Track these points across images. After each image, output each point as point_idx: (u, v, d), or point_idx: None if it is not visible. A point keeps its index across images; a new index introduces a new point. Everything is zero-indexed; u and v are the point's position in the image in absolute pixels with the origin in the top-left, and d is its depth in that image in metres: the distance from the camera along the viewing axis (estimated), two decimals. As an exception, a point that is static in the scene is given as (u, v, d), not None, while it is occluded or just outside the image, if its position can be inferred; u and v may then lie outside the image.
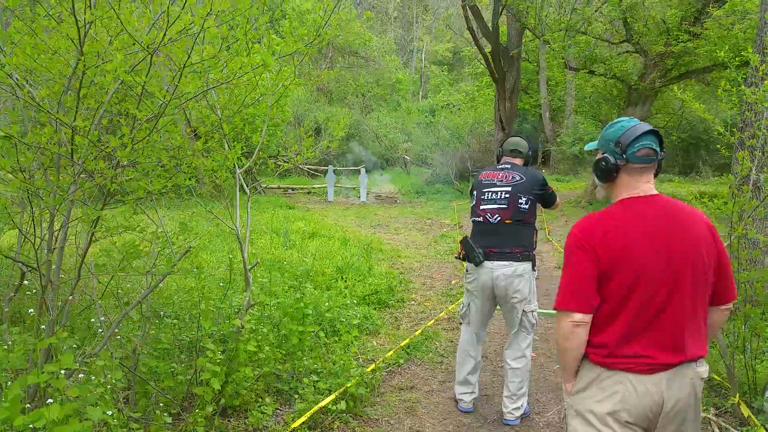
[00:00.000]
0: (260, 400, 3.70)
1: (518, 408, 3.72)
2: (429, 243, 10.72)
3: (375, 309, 6.05)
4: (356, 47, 37.36)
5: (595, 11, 14.58)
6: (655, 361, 1.98)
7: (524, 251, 3.61)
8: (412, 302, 6.61)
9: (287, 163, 17.50)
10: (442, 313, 6.04)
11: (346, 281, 6.84)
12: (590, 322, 2.04)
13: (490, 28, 16.83)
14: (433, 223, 13.38)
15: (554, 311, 2.10)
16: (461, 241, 3.75)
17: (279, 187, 19.61)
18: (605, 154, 2.10)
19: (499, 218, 3.60)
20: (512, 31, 17.19)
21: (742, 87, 5.22)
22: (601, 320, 2.04)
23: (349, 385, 3.75)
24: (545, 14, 14.95)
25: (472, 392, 3.92)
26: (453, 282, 7.81)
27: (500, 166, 3.80)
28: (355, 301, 6.07)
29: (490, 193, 3.67)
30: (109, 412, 2.51)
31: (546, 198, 3.75)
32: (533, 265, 3.67)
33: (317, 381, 3.71)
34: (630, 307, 2.00)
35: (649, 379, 1.98)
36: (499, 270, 3.59)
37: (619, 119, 2.16)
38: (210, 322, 3.44)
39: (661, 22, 13.88)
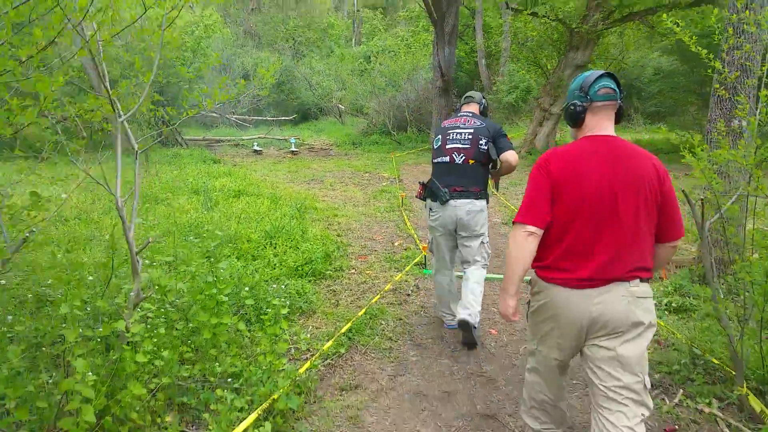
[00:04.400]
0: (159, 420, 2.83)
1: (475, 316, 3.95)
2: (368, 199, 9.89)
3: (309, 281, 5.21)
4: (283, -16, 35.11)
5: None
6: (589, 276, 2.20)
7: (482, 190, 4.04)
8: (352, 271, 5.80)
9: (193, 109, 15.98)
10: (388, 285, 5.26)
11: (276, 248, 5.95)
12: (540, 236, 2.30)
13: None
14: (371, 176, 12.53)
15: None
16: (426, 182, 4.11)
17: (204, 139, 18.13)
18: (573, 101, 2.36)
19: (463, 158, 3.97)
20: (451, -33, 16.12)
21: (731, 15, 4.56)
22: (550, 239, 2.30)
23: (275, 397, 2.92)
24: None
25: (454, 316, 4.22)
26: (396, 244, 7.06)
27: (461, 114, 4.21)
28: (285, 273, 5.21)
29: (455, 134, 4.05)
30: None
31: (503, 144, 4.00)
32: (487, 202, 4.10)
33: (234, 398, 2.84)
34: (574, 227, 2.24)
35: (581, 294, 2.22)
36: (463, 207, 3.96)
37: (579, 75, 2.44)
38: (75, 331, 2.49)
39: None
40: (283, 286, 4.79)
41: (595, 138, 2.32)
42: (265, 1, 35.00)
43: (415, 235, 7.30)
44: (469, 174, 3.97)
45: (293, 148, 16.79)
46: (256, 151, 16.54)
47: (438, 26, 16.38)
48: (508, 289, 2.38)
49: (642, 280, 2.23)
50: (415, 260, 6.03)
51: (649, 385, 2.25)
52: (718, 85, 4.80)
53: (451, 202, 3.95)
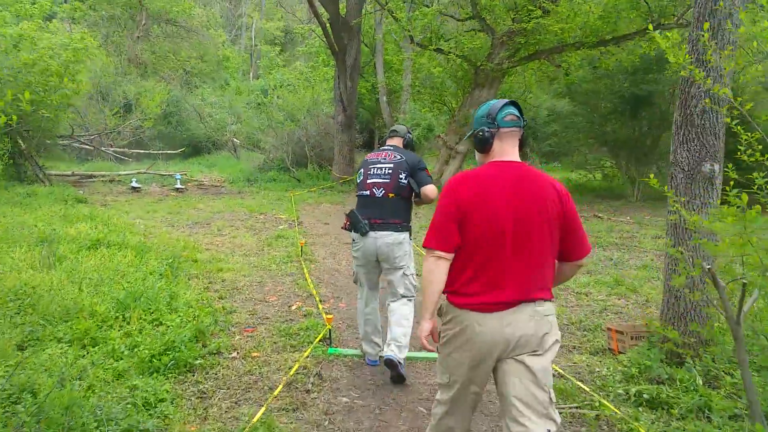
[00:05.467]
0: None
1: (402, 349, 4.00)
2: (261, 247, 8.48)
3: (169, 378, 3.74)
4: (175, 15, 33.07)
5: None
6: (497, 300, 2.27)
7: (403, 222, 4.10)
8: (234, 354, 4.38)
9: (63, 139, 14.01)
10: (279, 387, 3.81)
11: (128, 325, 4.43)
12: (450, 260, 2.36)
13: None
14: (267, 218, 11.11)
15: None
16: (348, 213, 4.14)
17: (73, 174, 15.83)
18: (481, 128, 2.42)
19: (383, 192, 4.06)
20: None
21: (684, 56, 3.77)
22: (458, 265, 2.35)
23: None
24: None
25: (379, 348, 4.28)
26: (293, 308, 5.73)
27: (384, 148, 4.30)
28: (136, 366, 3.73)
29: (375, 169, 4.14)
30: None
31: (422, 178, 4.09)
32: (410, 235, 4.16)
33: None
34: (482, 251, 2.31)
35: (492, 317, 2.27)
36: (382, 239, 4.02)
37: (484, 103, 2.55)
38: None
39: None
40: (127, 392, 3.32)
41: (501, 163, 2.39)
42: (154, 29, 32.67)
43: (317, 296, 6.00)
44: (388, 207, 4.07)
45: (178, 185, 15.00)
46: (134, 188, 14.57)
47: (339, 60, 15.50)
48: (425, 315, 2.42)
49: (545, 300, 2.33)
50: (318, 336, 4.72)
51: (554, 399, 2.33)
52: (680, 119, 4.00)
53: (371, 233, 4.04)
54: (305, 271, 7.00)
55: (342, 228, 4.28)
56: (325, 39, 15.64)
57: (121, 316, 4.56)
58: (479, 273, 2.30)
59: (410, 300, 4.18)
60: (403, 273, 4.13)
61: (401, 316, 4.07)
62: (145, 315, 4.65)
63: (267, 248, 8.40)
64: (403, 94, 27.62)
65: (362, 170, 4.25)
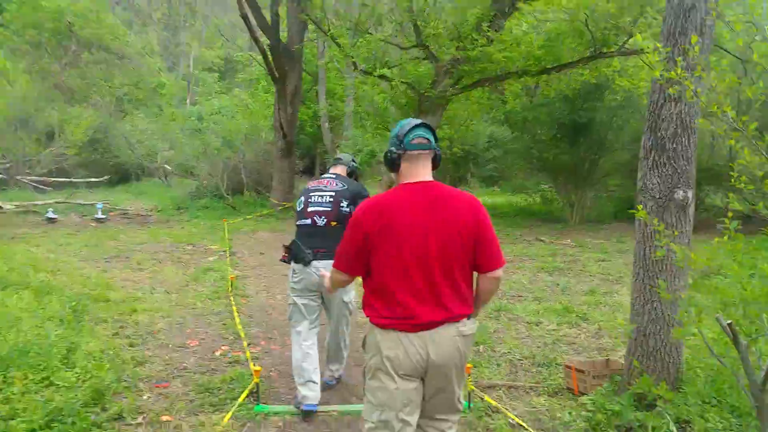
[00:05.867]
0: None
1: (337, 369, 4.36)
2: (187, 282, 7.69)
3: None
4: (108, 42, 31.73)
5: (388, 11, 12.97)
6: (420, 320, 2.29)
7: None
8: (139, 419, 3.64)
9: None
10: None
11: (10, 387, 3.64)
12: (353, 279, 2.56)
13: (269, 21, 14.32)
14: (196, 249, 10.28)
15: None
16: (289, 245, 3.97)
17: (-17, 205, 14.46)
18: (390, 148, 2.44)
19: (325, 220, 3.95)
20: (293, 25, 14.89)
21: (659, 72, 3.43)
22: (378, 289, 2.38)
23: None
24: (332, 3, 12.88)
25: (317, 392, 3.96)
26: (218, 353, 5.02)
27: (326, 176, 4.20)
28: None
29: (316, 197, 4.03)
30: None
31: None
32: None
33: None
34: (401, 274, 2.32)
35: (416, 337, 2.30)
36: (327, 268, 3.44)
37: (399, 122, 2.52)
38: None
39: (452, 27, 12.76)
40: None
41: (412, 185, 2.39)
42: (85, 56, 31.12)
43: (246, 339, 5.32)
44: (331, 236, 3.81)
45: (99, 215, 13.90)
46: (49, 218, 13.39)
47: (280, 86, 14.97)
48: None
49: (468, 318, 2.40)
50: (244, 393, 4.05)
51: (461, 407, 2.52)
52: (649, 143, 3.64)
53: (315, 263, 3.88)
54: (234, 308, 6.29)
55: (280, 260, 4.09)
56: (265, 66, 15.07)
57: (1, 377, 3.75)
58: (402, 296, 2.31)
59: (347, 326, 4.25)
60: (342, 300, 4.09)
61: (337, 345, 4.27)
62: (34, 373, 3.86)
63: (193, 283, 7.62)
64: (345, 120, 27.29)
65: (303, 198, 4.10)
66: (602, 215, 15.75)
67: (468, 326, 2.39)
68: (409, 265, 2.30)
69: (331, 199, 3.98)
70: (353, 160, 4.41)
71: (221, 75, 46.99)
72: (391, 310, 2.32)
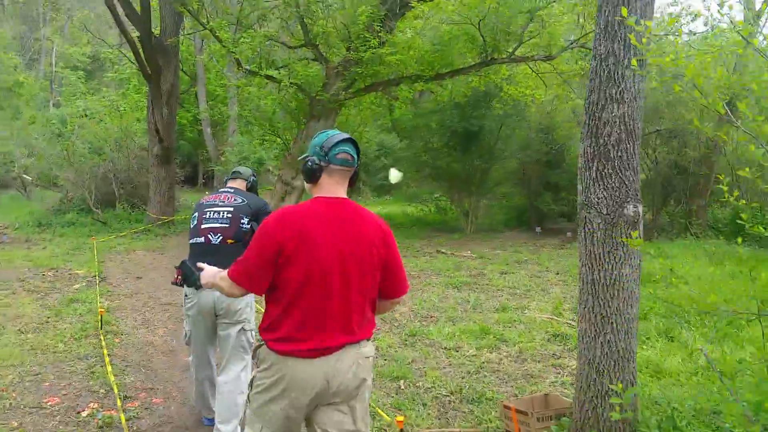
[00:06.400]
0: None
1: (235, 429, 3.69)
2: (46, 318, 6.47)
3: None
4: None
5: (273, 6, 12.13)
6: (323, 345, 2.17)
7: None
8: None
9: None
10: None
11: None
12: (245, 294, 2.35)
13: (139, 11, 12.97)
14: (59, 275, 8.88)
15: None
16: (180, 266, 3.20)
17: None
18: (312, 156, 2.29)
19: (221, 238, 3.64)
20: (168, 16, 13.61)
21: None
22: (280, 309, 2.20)
23: None
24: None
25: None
26: (85, 414, 4.07)
27: (223, 190, 3.90)
28: None
29: (212, 212, 3.73)
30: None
31: None
32: None
33: None
34: (305, 294, 2.17)
35: (315, 363, 2.17)
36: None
37: (324, 131, 2.38)
38: None
39: (342, 26, 12.22)
40: None
41: (328, 200, 2.28)
42: None
43: (120, 394, 4.38)
44: (228, 255, 3.40)
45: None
46: None
47: (153, 85, 13.60)
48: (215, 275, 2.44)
49: (367, 340, 2.31)
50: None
51: None
52: (591, 150, 3.25)
53: None
54: (105, 351, 5.27)
55: (172, 283, 3.54)
56: (136, 62, 13.64)
57: None
58: (305, 318, 2.18)
59: (246, 354, 3.72)
60: (242, 329, 3.70)
61: (234, 389, 3.64)
62: None
63: (54, 319, 6.42)
64: (229, 125, 25.87)
65: (196, 214, 3.78)
66: (495, 224, 15.95)
67: (368, 348, 2.32)
68: (320, 285, 2.17)
69: (230, 215, 3.68)
70: (253, 174, 4.09)
71: (88, 74, 43.27)
72: (292, 335, 2.17)
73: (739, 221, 3.33)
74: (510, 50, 11.75)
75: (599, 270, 3.15)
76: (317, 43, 12.24)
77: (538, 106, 15.29)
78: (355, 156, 2.33)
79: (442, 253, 11.40)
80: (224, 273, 2.35)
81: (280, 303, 2.21)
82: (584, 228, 3.27)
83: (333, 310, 2.19)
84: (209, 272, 2.49)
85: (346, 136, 2.33)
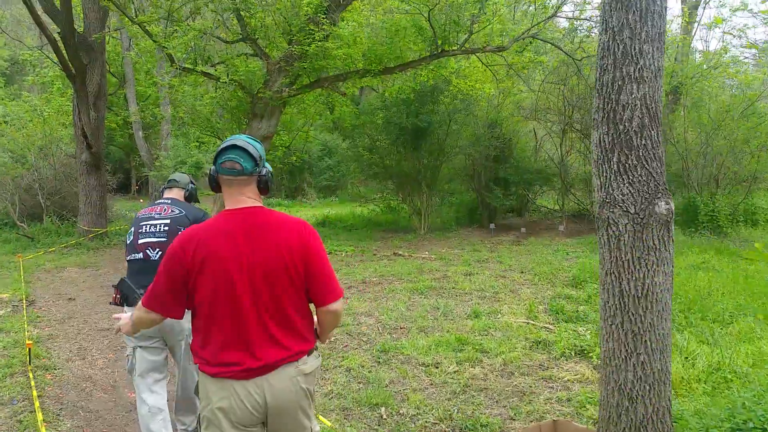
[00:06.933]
0: None
1: (192, 421, 3.71)
2: (-40, 355, 5.61)
3: None
4: None
5: (207, 0, 11.33)
6: (253, 365, 2.07)
7: None
8: None
9: None
10: None
11: None
12: (164, 319, 2.23)
13: (59, 5, 11.88)
14: (-24, 300, 7.90)
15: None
16: (118, 284, 3.46)
17: None
18: (211, 167, 2.22)
19: (160, 253, 3.45)
20: (91, 11, 12.57)
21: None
22: (202, 332, 2.13)
23: None
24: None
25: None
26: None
27: (159, 202, 3.75)
28: None
29: (148, 226, 3.55)
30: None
31: None
32: None
33: None
34: (220, 315, 2.08)
35: (251, 383, 2.07)
36: None
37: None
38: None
39: (282, 19, 11.57)
40: None
41: (233, 212, 2.17)
42: None
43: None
44: None
45: None
46: None
47: (79, 85, 12.51)
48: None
49: (308, 353, 2.20)
50: None
51: None
52: (609, 139, 2.82)
53: None
54: (35, 393, 4.53)
55: (111, 303, 3.56)
56: (59, 61, 12.52)
57: None
58: (224, 338, 2.08)
59: (192, 367, 3.57)
60: (188, 344, 3.42)
61: (189, 400, 3.65)
62: None
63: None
64: (163, 127, 24.57)
65: (133, 229, 3.61)
66: (446, 222, 15.65)
67: (309, 363, 2.20)
68: (229, 302, 2.09)
69: (166, 228, 3.51)
70: (192, 182, 3.89)
71: (7, 78, 40.46)
72: (219, 357, 2.09)
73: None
74: (460, 42, 11.39)
75: (628, 279, 2.72)
76: (256, 37, 11.54)
77: (487, 100, 15.08)
78: (243, 163, 2.15)
79: (400, 255, 10.97)
80: (135, 308, 2.29)
81: (200, 327, 2.15)
82: (607, 230, 2.81)
83: (250, 326, 2.09)
84: (123, 320, 2.42)
85: (235, 141, 2.19)
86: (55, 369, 5.28)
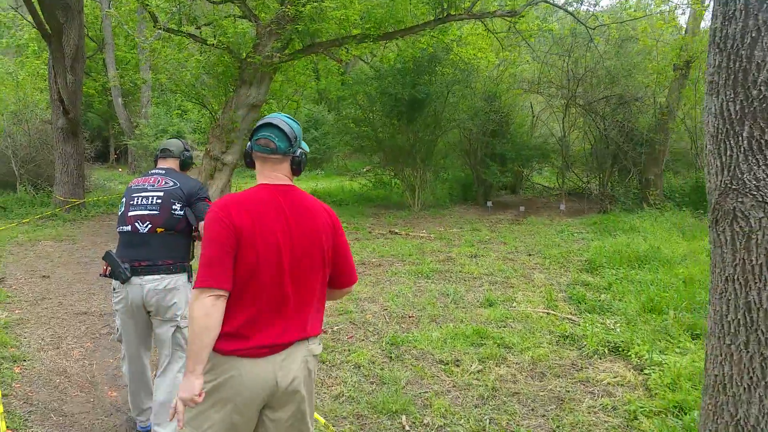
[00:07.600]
0: None
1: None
2: None
3: None
4: None
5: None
6: (271, 341, 2.00)
7: (178, 262, 3.36)
8: None
9: None
10: None
11: None
12: (227, 298, 1.99)
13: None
14: (-60, 279, 7.21)
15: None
16: (104, 257, 3.34)
17: None
18: (249, 141, 2.20)
19: (149, 226, 3.31)
20: (68, -33, 11.61)
21: None
22: (228, 304, 2.00)
23: None
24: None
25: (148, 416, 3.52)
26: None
27: (153, 172, 3.54)
28: None
29: (139, 198, 3.39)
30: None
31: (201, 210, 3.33)
32: (189, 277, 3.41)
33: None
34: (254, 286, 2.01)
35: (264, 362, 2.00)
36: (149, 284, 3.27)
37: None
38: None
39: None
40: None
41: (271, 187, 2.14)
42: None
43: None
44: (157, 245, 3.29)
45: None
46: None
47: (55, 46, 11.61)
48: (196, 369, 1.92)
49: (317, 336, 2.18)
50: None
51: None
52: (738, 109, 2.20)
53: (134, 279, 3.24)
54: None
55: (101, 275, 3.46)
56: (33, 20, 11.59)
57: None
58: (253, 313, 2.00)
59: (184, 353, 3.34)
60: (177, 326, 3.34)
61: (167, 394, 3.29)
62: None
63: (-72, 345, 4.94)
64: (143, 94, 23.55)
65: (124, 200, 3.47)
66: (440, 199, 15.05)
67: (317, 345, 2.17)
68: (269, 277, 2.01)
69: (159, 201, 3.35)
70: (186, 149, 3.63)
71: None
72: (239, 331, 1.97)
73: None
74: (468, 5, 10.64)
75: (759, 289, 2.14)
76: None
77: (487, 71, 14.41)
78: (278, 143, 2.12)
79: (396, 233, 10.42)
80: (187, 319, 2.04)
81: (229, 302, 2.00)
82: (732, 225, 2.22)
83: (284, 305, 2.04)
84: (175, 406, 1.98)
85: (270, 120, 2.16)
86: (24, 360, 4.68)
